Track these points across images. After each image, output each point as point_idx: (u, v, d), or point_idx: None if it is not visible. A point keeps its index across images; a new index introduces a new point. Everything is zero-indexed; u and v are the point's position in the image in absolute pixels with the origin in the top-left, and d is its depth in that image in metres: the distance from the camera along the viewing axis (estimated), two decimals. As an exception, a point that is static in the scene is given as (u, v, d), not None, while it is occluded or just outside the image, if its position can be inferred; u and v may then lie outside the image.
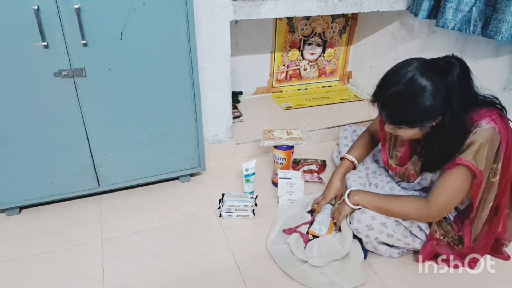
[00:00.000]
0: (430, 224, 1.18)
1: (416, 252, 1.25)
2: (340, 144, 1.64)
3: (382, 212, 1.16)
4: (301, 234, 1.27)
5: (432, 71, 0.99)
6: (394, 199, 1.17)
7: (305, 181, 1.54)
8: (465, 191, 1.08)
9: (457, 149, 1.04)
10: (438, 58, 1.04)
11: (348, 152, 1.40)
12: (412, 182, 1.25)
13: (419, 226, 1.17)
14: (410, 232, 1.18)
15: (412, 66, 1.00)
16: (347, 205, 1.21)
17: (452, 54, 1.03)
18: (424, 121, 1.03)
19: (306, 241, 1.25)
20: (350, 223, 1.21)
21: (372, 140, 1.40)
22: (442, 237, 1.18)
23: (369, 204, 1.17)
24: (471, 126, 1.03)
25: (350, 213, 1.22)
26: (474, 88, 1.05)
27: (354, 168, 1.38)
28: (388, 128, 1.11)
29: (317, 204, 1.36)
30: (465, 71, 1.01)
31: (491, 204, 1.11)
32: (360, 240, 1.22)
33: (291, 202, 1.42)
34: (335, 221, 1.28)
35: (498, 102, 1.09)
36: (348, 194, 1.21)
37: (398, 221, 1.16)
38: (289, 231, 1.28)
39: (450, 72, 0.98)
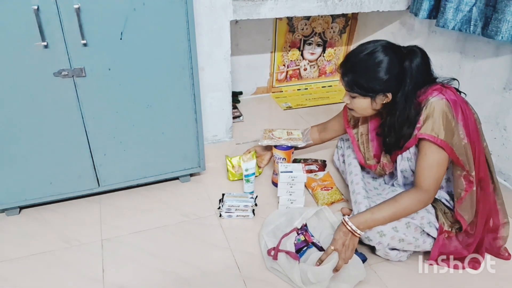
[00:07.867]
0: (437, 218, 1.18)
1: (418, 253, 1.25)
2: (343, 148, 1.59)
3: (391, 220, 1.14)
4: (287, 252, 1.16)
5: (393, 52, 1.13)
6: (389, 202, 1.15)
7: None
8: (446, 163, 1.12)
9: (408, 126, 1.14)
10: (404, 46, 1.17)
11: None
12: (388, 173, 1.32)
13: (429, 222, 1.17)
14: (422, 230, 1.17)
15: (378, 43, 1.15)
16: (356, 236, 1.13)
17: (415, 45, 1.16)
18: (375, 91, 1.14)
19: (296, 257, 1.14)
20: None
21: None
22: (450, 229, 1.18)
23: (376, 223, 1.14)
24: (420, 104, 1.13)
25: None
26: (432, 76, 1.18)
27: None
28: (345, 99, 1.24)
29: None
30: (424, 61, 1.14)
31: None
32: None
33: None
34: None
35: (449, 80, 1.18)
36: (352, 225, 1.13)
37: (408, 222, 1.15)
38: (275, 256, 1.17)
39: (409, 58, 1.11)
